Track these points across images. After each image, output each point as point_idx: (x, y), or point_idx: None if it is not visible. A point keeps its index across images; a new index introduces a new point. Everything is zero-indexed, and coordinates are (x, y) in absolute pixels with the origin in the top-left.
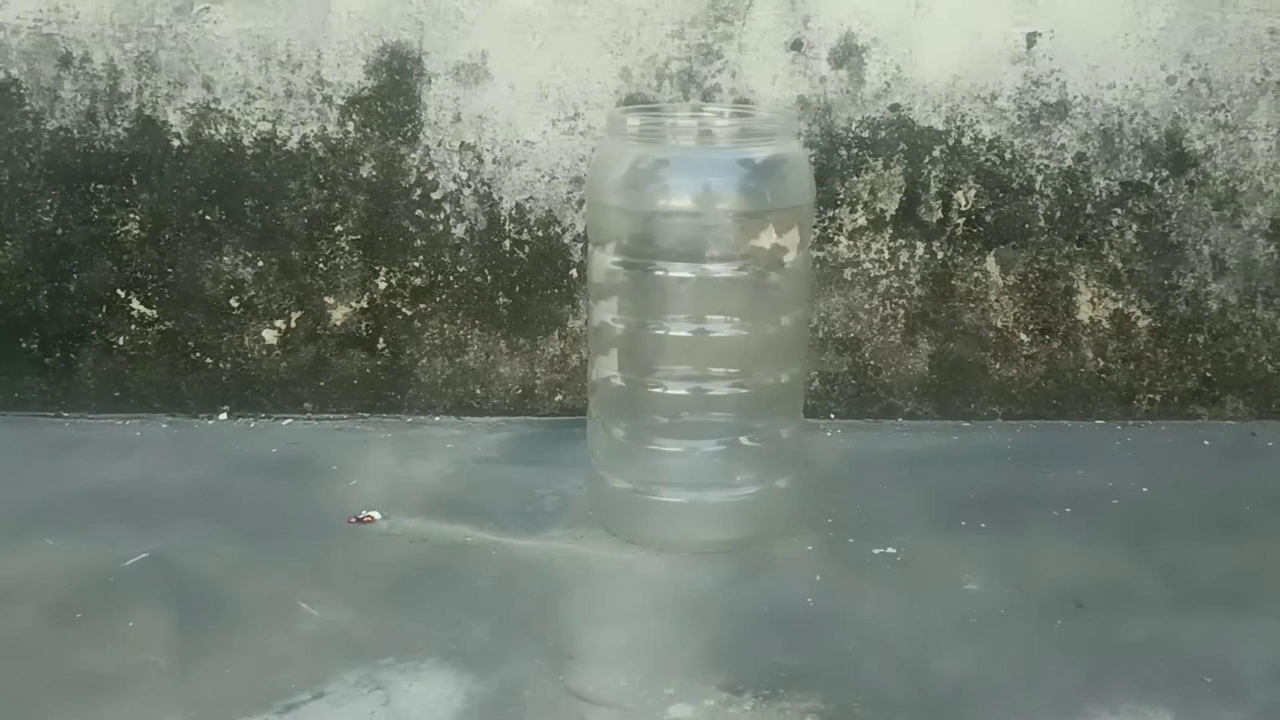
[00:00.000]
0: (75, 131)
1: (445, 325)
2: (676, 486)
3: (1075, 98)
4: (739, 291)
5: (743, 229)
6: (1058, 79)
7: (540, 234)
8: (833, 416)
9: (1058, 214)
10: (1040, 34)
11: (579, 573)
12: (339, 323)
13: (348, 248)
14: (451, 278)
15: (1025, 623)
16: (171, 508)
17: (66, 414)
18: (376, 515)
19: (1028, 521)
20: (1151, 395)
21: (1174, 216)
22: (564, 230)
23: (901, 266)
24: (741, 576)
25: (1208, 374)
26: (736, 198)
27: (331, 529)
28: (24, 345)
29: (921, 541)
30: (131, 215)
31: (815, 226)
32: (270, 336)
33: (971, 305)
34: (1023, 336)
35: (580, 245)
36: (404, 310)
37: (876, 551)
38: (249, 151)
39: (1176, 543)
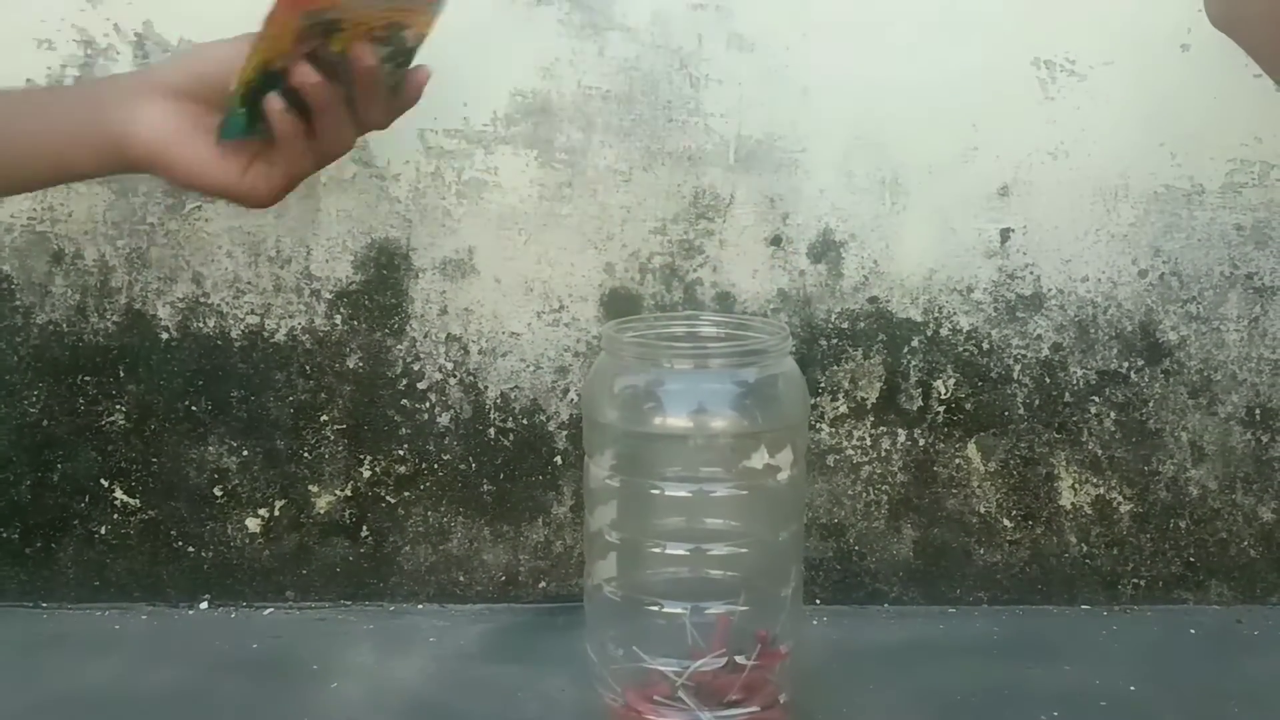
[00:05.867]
0: (64, 325)
1: (429, 513)
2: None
3: (1050, 290)
4: (735, 508)
5: (734, 450)
6: (1032, 272)
7: (525, 422)
8: (818, 602)
9: (1036, 402)
10: (1014, 230)
11: None
12: (322, 511)
13: (333, 437)
14: (436, 465)
15: None
16: (148, 717)
17: (45, 604)
18: None
19: None
20: (1136, 580)
21: (1151, 404)
22: (548, 418)
23: (884, 453)
24: None
25: (1191, 559)
26: (730, 419)
27: None
28: (4, 535)
29: None
30: (118, 406)
31: (809, 424)
32: (253, 525)
33: (954, 491)
34: (1006, 522)
35: (565, 433)
36: (388, 498)
37: None
38: (237, 344)
39: None
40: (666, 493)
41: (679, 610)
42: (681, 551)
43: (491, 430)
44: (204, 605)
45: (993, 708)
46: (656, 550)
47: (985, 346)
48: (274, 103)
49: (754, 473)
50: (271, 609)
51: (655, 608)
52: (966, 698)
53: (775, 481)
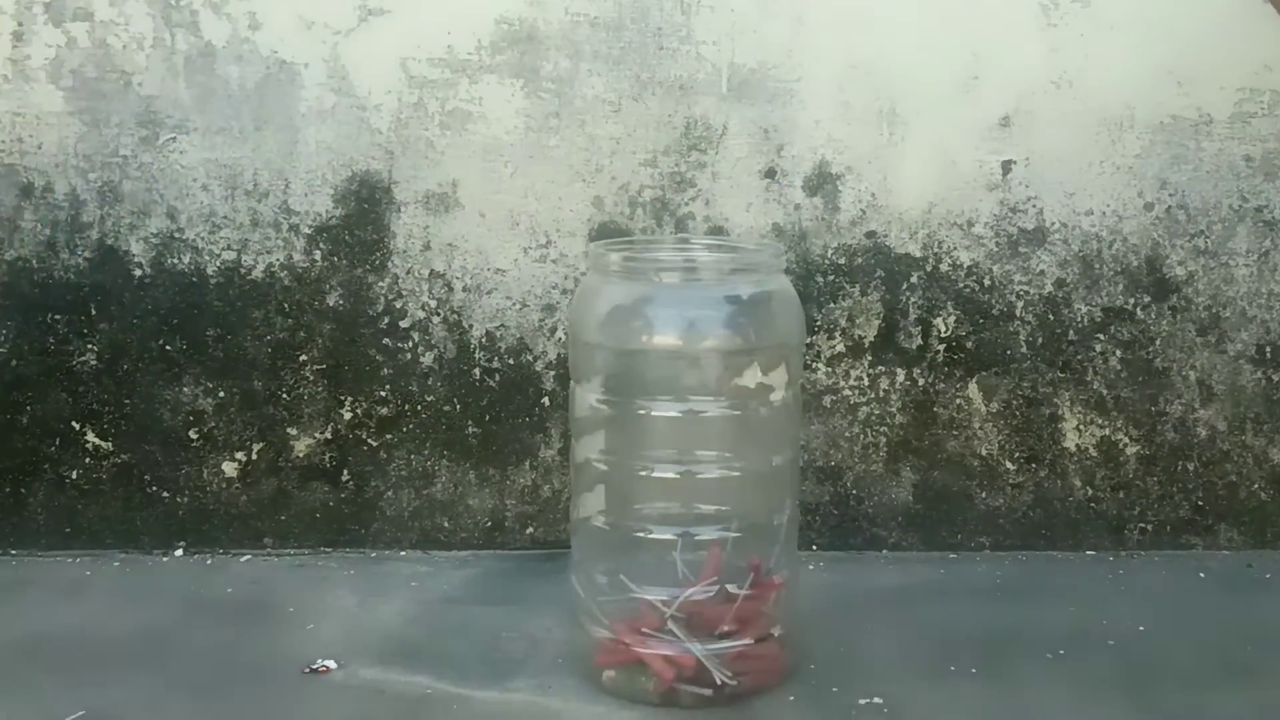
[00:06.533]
0: (34, 261)
1: (412, 456)
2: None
3: (1053, 224)
4: (727, 430)
5: (726, 367)
6: (1034, 206)
7: (511, 362)
8: (815, 548)
9: (1039, 340)
10: (1015, 162)
11: None
12: (302, 454)
13: (312, 377)
14: (419, 407)
15: None
16: (116, 658)
17: (15, 551)
18: (332, 665)
19: (1020, 666)
20: (1143, 525)
21: (1158, 342)
22: (535, 358)
23: (882, 393)
24: None
25: (1200, 503)
26: (721, 335)
27: (284, 681)
28: None
29: (909, 691)
30: (89, 345)
31: (805, 343)
32: (230, 469)
33: (955, 433)
34: (1008, 465)
35: (552, 373)
36: (369, 441)
37: (862, 702)
38: (213, 280)
39: (1180, 690)
40: (655, 414)
41: (669, 537)
42: (671, 475)
43: (476, 370)
44: (179, 553)
45: (997, 648)
46: (645, 474)
47: (986, 283)
48: None
49: (746, 392)
50: (249, 556)
51: (644, 534)
52: (969, 639)
53: (768, 403)
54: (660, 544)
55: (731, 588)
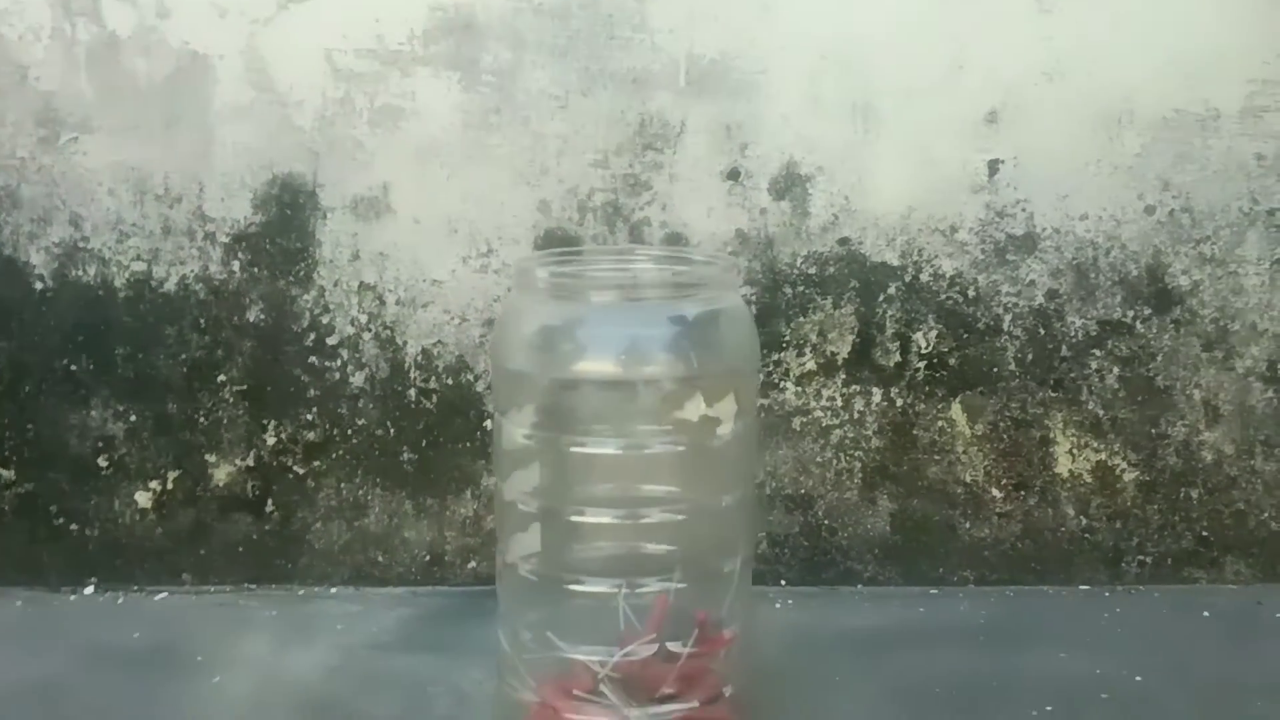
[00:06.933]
0: None
1: (342, 485)
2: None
3: (1044, 229)
4: (670, 468)
5: (666, 398)
6: (1024, 209)
7: (449, 382)
8: (784, 583)
9: (1029, 356)
10: (1003, 161)
11: None
12: (222, 484)
13: (232, 400)
14: (349, 431)
15: None
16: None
17: None
18: None
19: None
20: (1142, 557)
21: (1159, 359)
22: (476, 378)
23: (857, 415)
24: None
25: (1204, 533)
26: (662, 361)
27: None
28: None
29: None
30: None
31: (759, 370)
32: (144, 499)
33: (936, 457)
34: (995, 492)
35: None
36: (295, 469)
37: None
38: (121, 294)
39: None
40: (589, 450)
41: (604, 589)
42: (608, 520)
43: (412, 391)
44: (89, 590)
45: (979, 702)
46: (578, 518)
47: (971, 294)
48: None
49: (690, 426)
50: (165, 593)
51: (577, 586)
52: (948, 691)
53: (715, 436)
54: (594, 596)
55: (674, 645)
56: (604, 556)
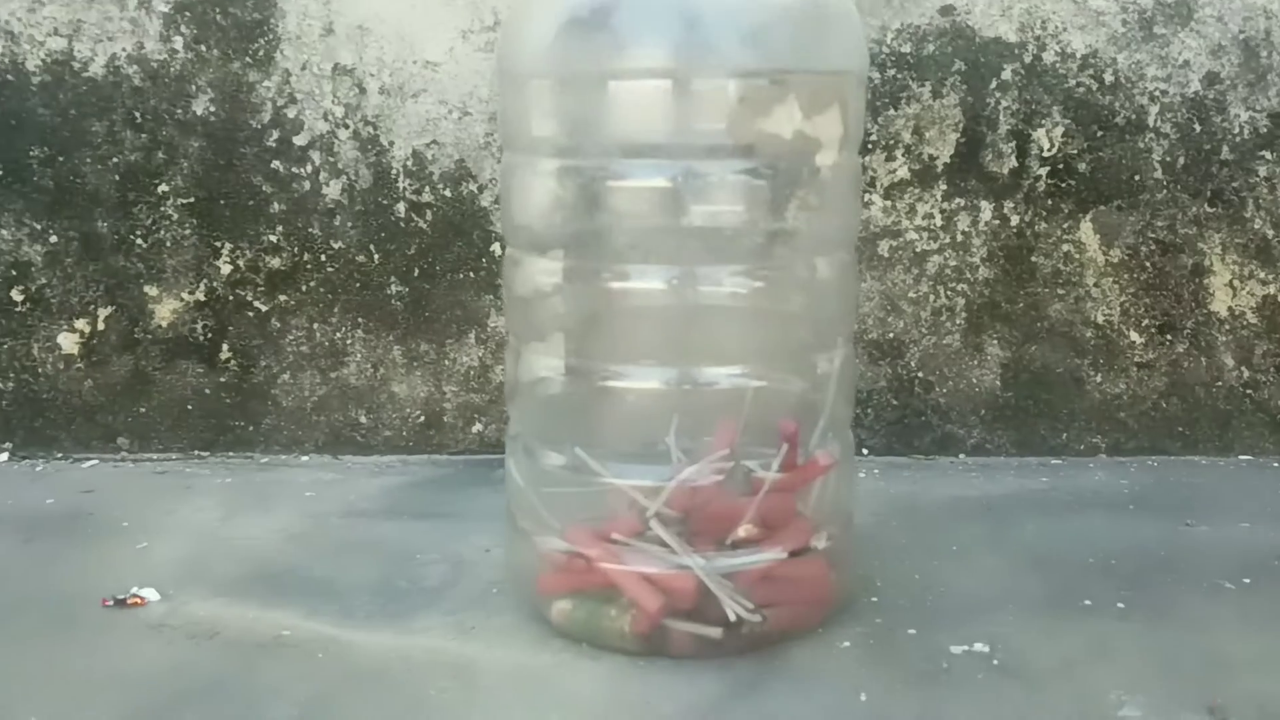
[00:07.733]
0: None
1: (316, 325)
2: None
3: None
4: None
5: (744, 102)
6: None
7: (448, 193)
8: (865, 452)
9: (1181, 161)
10: None
11: (455, 689)
12: (165, 323)
13: (176, 216)
14: (323, 257)
15: None
16: None
17: None
18: (149, 595)
19: (1189, 600)
20: None
21: None
22: (481, 188)
23: (960, 237)
24: (731, 695)
25: None
26: (737, 53)
27: (77, 616)
28: None
29: (1027, 632)
30: None
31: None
32: (69, 343)
33: (1060, 292)
34: (1134, 336)
35: None
36: (257, 304)
37: (957, 650)
38: (35, 79)
39: None
40: (632, 183)
41: (654, 385)
42: (658, 286)
43: (401, 205)
44: (3, 457)
45: (1148, 573)
46: (620, 286)
47: (1108, 79)
48: None
49: (778, 145)
50: (95, 460)
51: (616, 383)
52: (1104, 560)
53: (813, 166)
54: (642, 399)
55: (753, 466)
56: (654, 341)
